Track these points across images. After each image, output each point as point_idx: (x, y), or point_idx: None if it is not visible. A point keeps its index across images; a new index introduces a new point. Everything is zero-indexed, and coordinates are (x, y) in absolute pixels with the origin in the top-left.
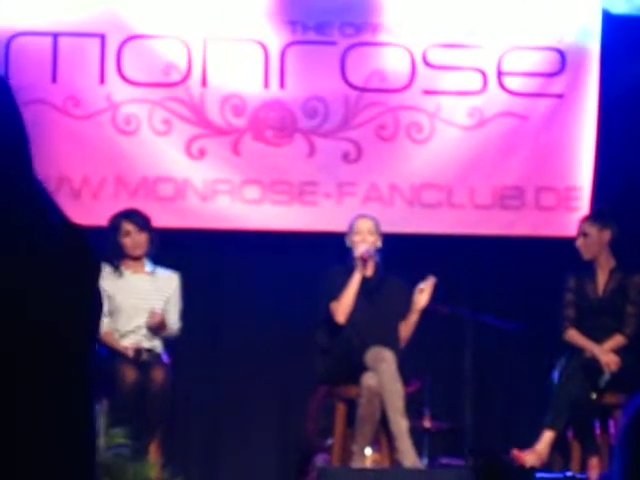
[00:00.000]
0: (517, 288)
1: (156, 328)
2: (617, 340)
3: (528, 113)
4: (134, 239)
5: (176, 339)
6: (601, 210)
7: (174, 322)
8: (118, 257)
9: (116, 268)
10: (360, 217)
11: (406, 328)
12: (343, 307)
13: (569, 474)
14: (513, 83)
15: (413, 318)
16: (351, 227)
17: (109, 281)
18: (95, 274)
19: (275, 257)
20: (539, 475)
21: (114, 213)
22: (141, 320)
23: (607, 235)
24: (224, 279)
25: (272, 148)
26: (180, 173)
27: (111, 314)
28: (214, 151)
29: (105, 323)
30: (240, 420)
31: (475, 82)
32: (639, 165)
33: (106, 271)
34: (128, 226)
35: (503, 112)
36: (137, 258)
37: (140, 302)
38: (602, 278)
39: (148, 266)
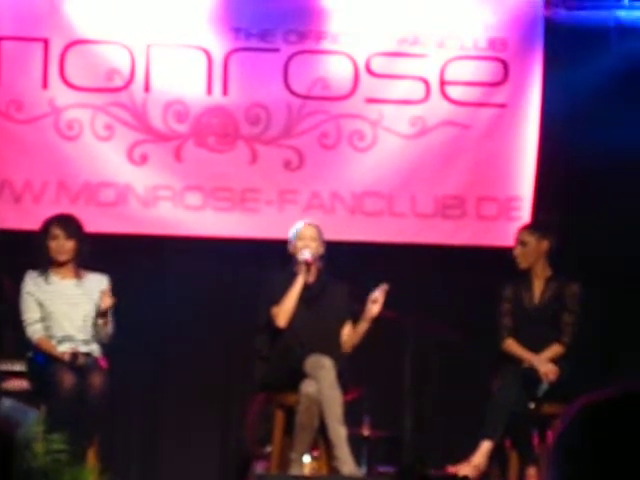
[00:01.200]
0: (457, 297)
1: (104, 312)
2: (555, 349)
3: (470, 122)
4: (60, 244)
5: (114, 343)
6: (540, 220)
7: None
8: (47, 262)
9: (43, 273)
10: (304, 223)
11: (355, 336)
12: (284, 311)
13: None
14: (456, 92)
15: (363, 327)
16: (294, 233)
17: (38, 287)
18: None
19: (216, 264)
20: None
21: (47, 217)
22: (73, 326)
23: (545, 245)
24: (164, 285)
25: (214, 155)
26: (122, 178)
27: (44, 320)
28: (156, 157)
29: (39, 329)
30: (179, 426)
31: (418, 91)
32: (580, 173)
33: (34, 277)
34: (57, 230)
35: (445, 121)
36: (63, 264)
37: (70, 307)
38: (538, 287)
39: (75, 271)
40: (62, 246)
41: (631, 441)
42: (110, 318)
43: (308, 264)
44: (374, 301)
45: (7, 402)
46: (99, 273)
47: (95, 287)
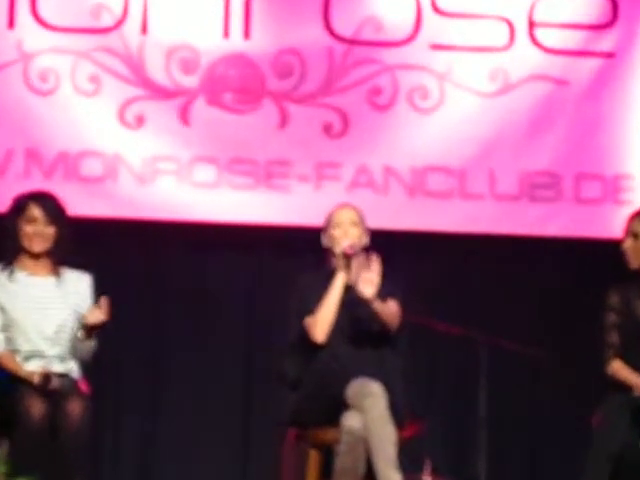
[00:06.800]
0: (547, 304)
1: (92, 328)
2: None
3: (568, 77)
4: (38, 230)
5: (99, 360)
6: None
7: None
8: (13, 253)
9: (6, 267)
10: (339, 206)
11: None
12: (322, 321)
13: None
14: (549, 37)
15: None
16: (329, 219)
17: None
18: None
19: (232, 259)
20: None
21: (23, 192)
22: (44, 338)
23: None
24: (162, 286)
25: (232, 116)
26: (111, 147)
27: (7, 329)
28: (156, 118)
29: (1, 341)
30: (186, 468)
31: (499, 35)
32: None
33: None
34: (35, 211)
35: (535, 75)
36: (36, 256)
37: (40, 314)
38: None
39: (50, 267)
40: (40, 232)
41: None
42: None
43: (348, 257)
44: (365, 282)
45: None
46: (78, 270)
47: (73, 288)
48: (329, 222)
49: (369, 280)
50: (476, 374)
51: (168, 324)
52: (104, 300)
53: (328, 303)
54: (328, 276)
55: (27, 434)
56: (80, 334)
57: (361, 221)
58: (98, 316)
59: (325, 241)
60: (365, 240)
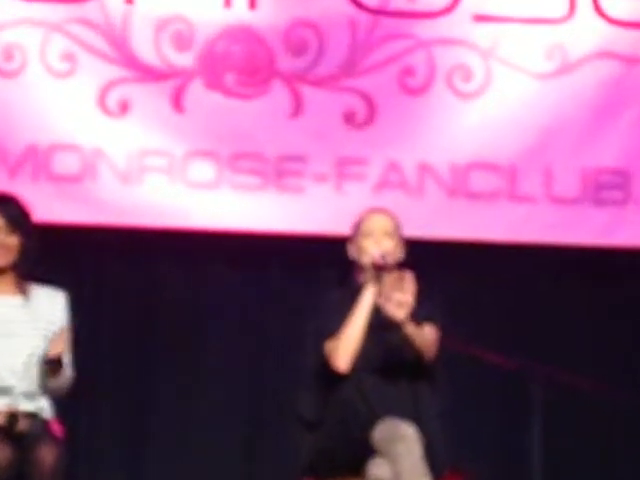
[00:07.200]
0: (615, 330)
1: (54, 361)
2: None
3: (639, 54)
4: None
5: (74, 397)
6: None
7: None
8: None
9: None
10: (371, 211)
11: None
12: (346, 346)
13: None
14: (616, 7)
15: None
16: (358, 227)
17: None
18: None
19: (237, 275)
20: None
21: None
22: (11, 371)
23: None
24: (156, 305)
25: (235, 102)
26: (89, 139)
27: None
28: (144, 105)
29: None
30: None
31: (557, 4)
32: None
33: None
34: None
35: (600, 52)
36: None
37: (6, 342)
38: None
39: (15, 284)
40: (3, 243)
41: None
42: (66, 363)
43: (379, 268)
44: (399, 305)
45: None
46: (51, 287)
47: (46, 308)
48: (358, 230)
49: (401, 302)
50: (528, 415)
51: (156, 352)
52: (61, 330)
53: (354, 323)
54: (354, 293)
55: None
56: (44, 369)
57: (397, 231)
58: (58, 345)
59: (352, 253)
60: (400, 254)
